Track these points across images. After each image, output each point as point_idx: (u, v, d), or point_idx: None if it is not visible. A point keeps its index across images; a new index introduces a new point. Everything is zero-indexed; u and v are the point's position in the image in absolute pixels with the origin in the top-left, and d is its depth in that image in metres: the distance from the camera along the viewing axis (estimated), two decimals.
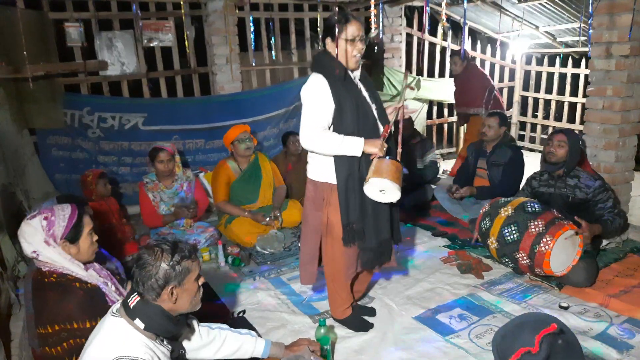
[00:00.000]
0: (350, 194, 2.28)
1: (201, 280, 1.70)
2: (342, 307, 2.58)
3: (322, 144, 2.23)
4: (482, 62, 6.73)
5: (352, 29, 2.23)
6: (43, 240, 1.86)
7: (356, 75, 2.38)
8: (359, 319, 2.63)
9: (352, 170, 2.27)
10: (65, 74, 4.48)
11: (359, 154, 2.22)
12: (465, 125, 5.67)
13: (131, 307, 1.58)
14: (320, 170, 2.37)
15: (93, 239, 2.00)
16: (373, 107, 2.36)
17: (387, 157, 2.19)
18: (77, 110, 4.42)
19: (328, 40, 2.29)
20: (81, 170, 3.92)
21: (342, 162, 2.26)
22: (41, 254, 1.87)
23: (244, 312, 2.81)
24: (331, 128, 2.28)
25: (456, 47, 6.64)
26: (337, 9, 2.31)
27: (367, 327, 2.61)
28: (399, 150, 2.33)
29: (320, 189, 2.39)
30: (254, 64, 5.23)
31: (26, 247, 1.88)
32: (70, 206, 1.96)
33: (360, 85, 2.36)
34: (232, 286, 3.14)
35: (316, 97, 2.24)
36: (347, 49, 2.25)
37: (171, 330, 1.63)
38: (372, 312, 2.76)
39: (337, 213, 2.33)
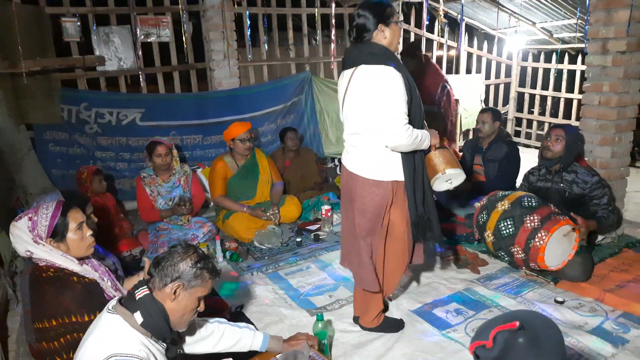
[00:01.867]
0: (417, 187, 2.25)
1: (202, 305, 1.69)
2: (377, 312, 2.51)
3: (412, 140, 2.11)
4: (479, 58, 6.74)
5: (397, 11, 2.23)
6: (31, 240, 1.86)
7: None
8: (390, 320, 2.59)
9: (417, 163, 2.24)
10: (62, 69, 4.46)
11: (427, 147, 2.26)
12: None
13: (137, 298, 1.58)
14: (386, 168, 2.22)
15: (85, 234, 1.96)
16: None
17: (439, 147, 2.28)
18: (74, 105, 4.41)
19: (382, 27, 2.15)
20: (78, 166, 3.91)
21: (408, 157, 2.20)
22: (34, 253, 1.87)
23: (241, 307, 2.82)
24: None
25: (453, 43, 6.65)
26: (334, 4, 2.30)
27: (401, 325, 2.57)
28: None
29: (385, 189, 2.23)
30: (250, 59, 5.22)
31: (19, 247, 1.88)
32: (55, 203, 1.93)
33: None
34: (229, 282, 3.15)
35: (399, 91, 2.08)
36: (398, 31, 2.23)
37: (165, 333, 1.62)
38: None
39: (400, 211, 2.28)
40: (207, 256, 1.69)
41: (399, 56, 2.33)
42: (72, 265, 1.90)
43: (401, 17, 6.09)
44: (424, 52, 5.71)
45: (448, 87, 5.16)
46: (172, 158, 3.72)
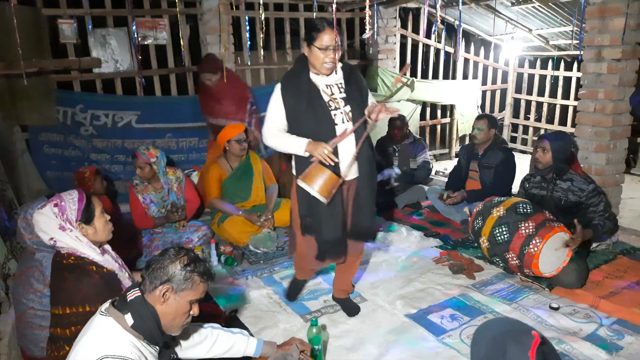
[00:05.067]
0: (299, 188, 2.38)
1: (195, 309, 1.66)
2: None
3: (268, 140, 2.47)
4: (476, 64, 6.77)
5: (326, 38, 2.30)
6: (58, 226, 1.88)
7: (329, 77, 2.44)
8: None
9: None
10: (58, 71, 4.45)
11: (302, 153, 2.35)
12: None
13: (128, 300, 1.57)
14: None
15: (106, 218, 2.03)
16: (340, 109, 2.41)
17: (331, 169, 2.24)
18: (69, 107, 4.40)
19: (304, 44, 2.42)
20: (73, 168, 3.88)
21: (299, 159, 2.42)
22: (58, 240, 1.89)
23: (235, 311, 2.80)
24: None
25: (450, 49, 6.68)
26: (332, 9, 2.36)
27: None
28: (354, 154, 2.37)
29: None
30: (249, 63, 5.22)
31: (43, 236, 1.90)
32: (77, 190, 1.99)
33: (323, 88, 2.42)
34: (224, 286, 3.14)
35: (273, 102, 2.46)
36: (319, 56, 2.35)
37: (155, 337, 1.61)
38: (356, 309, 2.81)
39: (295, 203, 2.52)
40: (201, 259, 1.66)
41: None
42: (94, 254, 1.93)
43: (399, 23, 6.11)
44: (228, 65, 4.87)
45: (255, 105, 4.63)
46: (152, 172, 3.61)
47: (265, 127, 2.45)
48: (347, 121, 2.39)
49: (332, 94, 2.41)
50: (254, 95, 4.72)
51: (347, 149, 2.37)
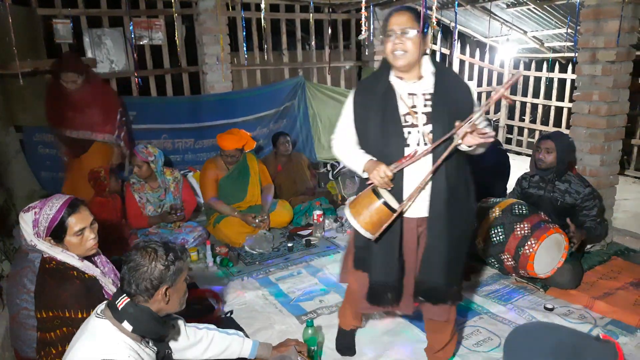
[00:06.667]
0: None
1: (187, 280, 1.70)
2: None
3: (337, 154, 2.09)
4: (471, 65, 6.79)
5: (393, 20, 1.88)
6: (33, 234, 1.88)
7: (415, 84, 1.94)
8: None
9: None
10: None
11: (361, 173, 1.95)
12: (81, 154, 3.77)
13: (119, 308, 1.56)
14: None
15: (87, 237, 1.92)
16: (418, 127, 1.90)
17: (382, 199, 1.82)
18: None
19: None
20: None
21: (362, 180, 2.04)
22: (37, 245, 1.88)
23: (231, 312, 2.80)
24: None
25: (445, 51, 6.70)
26: (328, 10, 2.27)
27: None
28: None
29: None
30: (246, 64, 5.22)
31: (26, 236, 1.90)
32: (60, 205, 1.88)
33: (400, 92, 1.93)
34: (219, 286, 3.13)
35: (346, 108, 2.06)
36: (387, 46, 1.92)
37: (159, 331, 1.63)
38: None
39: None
40: (167, 244, 1.63)
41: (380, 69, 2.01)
42: (72, 260, 1.90)
43: None
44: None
45: (125, 116, 4.03)
46: (149, 171, 3.62)
47: (334, 135, 2.07)
48: (425, 144, 1.87)
49: (414, 106, 1.89)
50: (124, 104, 4.13)
51: (415, 176, 1.86)
